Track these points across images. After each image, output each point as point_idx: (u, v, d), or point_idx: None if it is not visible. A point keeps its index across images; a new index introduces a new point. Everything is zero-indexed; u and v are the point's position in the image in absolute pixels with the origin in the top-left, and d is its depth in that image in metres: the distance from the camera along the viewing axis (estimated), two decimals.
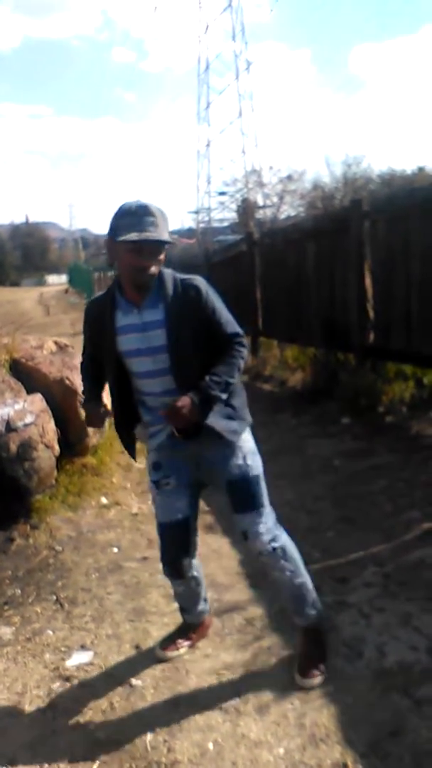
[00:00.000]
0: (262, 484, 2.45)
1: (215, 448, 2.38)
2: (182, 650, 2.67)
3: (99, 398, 2.51)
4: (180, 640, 2.69)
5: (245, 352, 2.42)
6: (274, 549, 2.42)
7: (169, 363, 2.32)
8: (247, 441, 2.46)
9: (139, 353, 2.34)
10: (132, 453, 2.57)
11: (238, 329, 2.41)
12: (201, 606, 2.72)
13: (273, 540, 2.42)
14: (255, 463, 2.44)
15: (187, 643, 2.69)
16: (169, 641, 2.69)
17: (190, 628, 2.73)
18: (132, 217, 2.18)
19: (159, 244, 2.20)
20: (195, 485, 2.51)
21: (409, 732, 2.12)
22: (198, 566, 2.63)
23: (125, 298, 2.34)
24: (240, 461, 2.40)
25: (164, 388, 2.35)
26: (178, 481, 2.45)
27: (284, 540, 2.47)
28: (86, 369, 2.61)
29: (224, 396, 2.33)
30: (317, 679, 2.42)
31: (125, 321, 2.34)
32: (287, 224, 16.41)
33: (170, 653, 2.64)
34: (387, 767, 2.00)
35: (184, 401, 2.24)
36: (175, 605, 2.99)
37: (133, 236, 2.15)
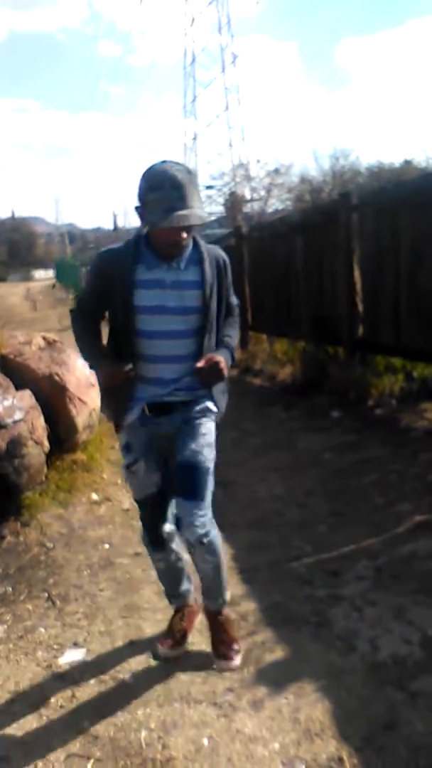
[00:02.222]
0: (210, 478, 2.45)
1: (181, 430, 2.44)
2: (181, 648, 2.64)
3: (111, 358, 2.39)
4: (178, 634, 2.66)
5: (238, 315, 2.64)
6: (202, 543, 2.42)
7: (198, 324, 2.36)
8: (211, 433, 2.48)
9: (162, 310, 2.32)
10: (121, 419, 2.47)
11: (237, 300, 2.64)
12: (185, 585, 2.71)
13: (205, 535, 2.41)
14: (210, 456, 2.46)
15: (182, 637, 2.67)
16: (166, 634, 2.68)
17: (182, 616, 2.72)
18: (162, 192, 2.14)
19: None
20: (162, 461, 2.52)
21: (403, 725, 2.12)
22: (178, 542, 2.61)
23: (155, 253, 2.31)
24: (197, 447, 2.41)
25: (184, 351, 2.37)
26: (146, 463, 2.47)
27: (214, 535, 2.46)
28: (85, 328, 2.52)
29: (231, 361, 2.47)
30: (237, 660, 2.52)
31: (149, 275, 2.31)
32: (275, 218, 16.40)
33: (170, 651, 2.62)
34: (382, 760, 2.00)
35: (220, 359, 2.32)
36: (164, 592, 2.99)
37: (163, 224, 2.15)
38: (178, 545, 2.62)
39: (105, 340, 2.49)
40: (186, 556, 2.64)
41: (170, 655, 2.60)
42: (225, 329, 2.53)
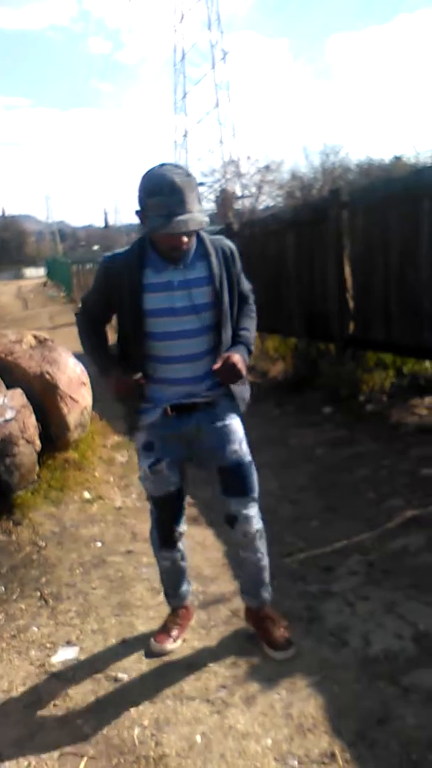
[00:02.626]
0: (254, 470, 2.50)
1: (209, 432, 2.42)
2: (178, 642, 2.65)
3: (121, 365, 2.36)
4: (173, 631, 2.67)
5: (253, 303, 2.58)
6: (257, 530, 2.52)
7: (212, 321, 2.34)
8: (240, 428, 2.50)
9: (173, 312, 2.30)
10: (134, 424, 2.47)
11: (250, 285, 2.57)
12: (185, 586, 2.73)
13: (259, 521, 2.53)
14: (247, 450, 2.50)
15: (178, 633, 2.68)
16: (161, 630, 2.68)
17: (177, 616, 2.73)
18: (160, 197, 2.12)
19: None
20: (183, 463, 2.54)
21: (396, 719, 2.14)
22: (183, 542, 2.68)
23: (160, 256, 2.30)
24: (236, 446, 2.46)
25: (200, 349, 2.35)
26: (170, 462, 2.48)
27: (262, 524, 2.56)
28: (92, 334, 2.50)
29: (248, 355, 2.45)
30: (292, 648, 2.54)
31: (157, 279, 2.30)
32: (266, 215, 16.39)
33: (166, 645, 2.62)
34: (375, 755, 2.01)
35: (237, 358, 2.30)
36: (161, 598, 2.98)
37: (163, 231, 2.14)
38: (183, 544, 2.67)
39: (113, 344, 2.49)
40: (188, 560, 2.70)
41: (164, 652, 2.61)
42: (241, 321, 2.48)
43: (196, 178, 2.24)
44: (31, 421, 4.13)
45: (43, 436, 4.24)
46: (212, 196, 33.11)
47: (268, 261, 7.77)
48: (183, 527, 2.64)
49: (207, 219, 2.23)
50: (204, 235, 2.36)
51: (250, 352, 2.46)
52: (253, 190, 28.56)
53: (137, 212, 2.23)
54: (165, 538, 2.62)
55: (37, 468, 4.18)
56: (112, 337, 2.51)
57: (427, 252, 4.90)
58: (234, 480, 2.47)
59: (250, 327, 2.51)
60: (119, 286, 2.32)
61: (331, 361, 6.27)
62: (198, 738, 2.16)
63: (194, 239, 2.31)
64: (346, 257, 6.03)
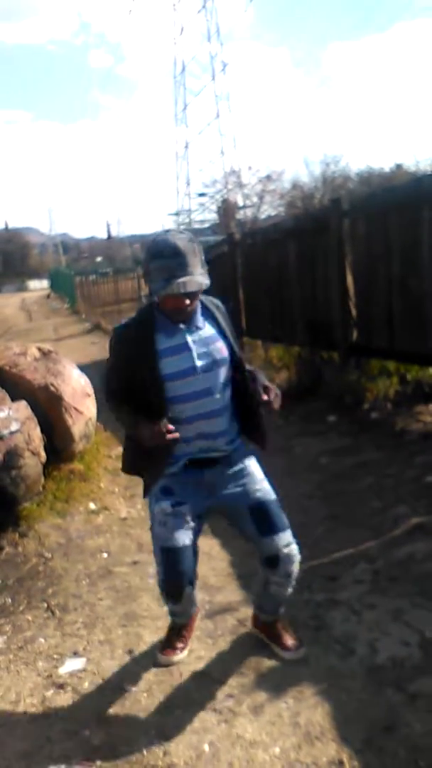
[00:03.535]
0: (280, 508, 2.50)
1: (230, 477, 2.45)
2: (184, 653, 2.63)
3: (147, 418, 2.34)
4: (178, 643, 2.65)
5: None
6: (296, 572, 2.51)
7: (229, 375, 2.40)
8: (258, 469, 2.54)
9: (192, 372, 2.32)
10: (155, 479, 2.46)
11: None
12: (192, 609, 2.70)
13: (298, 559, 2.51)
14: (270, 488, 2.52)
15: (183, 645, 2.66)
16: (167, 645, 2.64)
17: (183, 627, 2.71)
18: (162, 260, 2.19)
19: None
20: (203, 515, 2.49)
21: (403, 727, 2.14)
22: (196, 597, 2.57)
23: (169, 319, 2.33)
24: (258, 486, 2.48)
25: (219, 405, 2.38)
26: (191, 508, 2.41)
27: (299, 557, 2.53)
28: (120, 402, 2.47)
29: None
30: (303, 648, 2.59)
31: (169, 343, 2.34)
32: (268, 224, 16.46)
33: (174, 657, 2.60)
34: (382, 762, 2.02)
35: (273, 386, 2.37)
36: (167, 608, 3.00)
37: (164, 292, 2.19)
38: (193, 595, 2.53)
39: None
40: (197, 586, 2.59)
41: (171, 663, 2.60)
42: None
43: (198, 244, 2.28)
44: (36, 432, 4.14)
45: (48, 448, 4.26)
46: (214, 207, 33.24)
47: (270, 270, 7.80)
48: (191, 590, 2.47)
49: (207, 281, 2.26)
50: (202, 297, 2.41)
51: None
52: (255, 200, 28.64)
53: (143, 277, 2.31)
54: (170, 595, 2.48)
55: (43, 479, 4.20)
56: None
57: (429, 259, 4.91)
58: (266, 517, 2.44)
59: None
60: (135, 354, 2.35)
61: (335, 369, 6.27)
62: (206, 747, 2.16)
63: (197, 301, 2.34)
64: (348, 265, 6.04)
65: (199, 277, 2.21)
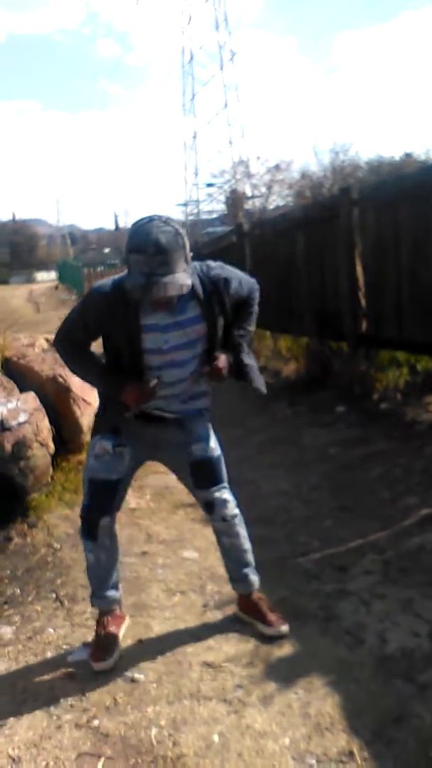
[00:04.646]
0: (222, 464, 2.63)
1: (176, 433, 2.56)
2: (116, 653, 2.58)
3: (129, 376, 2.45)
4: (107, 643, 2.60)
5: (258, 294, 2.64)
6: (235, 515, 2.66)
7: (202, 350, 2.45)
8: (208, 428, 2.63)
9: (158, 352, 2.39)
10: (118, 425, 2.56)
11: (252, 280, 2.63)
12: (111, 592, 2.69)
13: (235, 507, 2.66)
14: (216, 446, 2.61)
15: (114, 642, 2.61)
16: (97, 650, 2.59)
17: (108, 624, 2.66)
18: (143, 255, 2.12)
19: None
20: (142, 460, 2.67)
21: (413, 717, 2.13)
22: (114, 541, 2.66)
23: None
24: (203, 444, 2.57)
25: (186, 373, 2.46)
26: (131, 453, 2.56)
27: (238, 510, 2.69)
28: (83, 358, 2.56)
29: (249, 347, 2.61)
30: (286, 624, 2.63)
31: (149, 320, 2.35)
32: (276, 214, 16.38)
33: (107, 663, 2.53)
34: (392, 753, 2.01)
35: (224, 362, 2.44)
36: (177, 599, 3.00)
37: (141, 294, 2.17)
38: (113, 541, 2.64)
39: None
40: (117, 561, 2.70)
41: (106, 667, 2.53)
42: (237, 321, 2.57)
43: (184, 236, 2.22)
44: (45, 424, 4.14)
45: (56, 439, 4.26)
46: (222, 197, 33.13)
47: (279, 260, 7.77)
48: (108, 522, 2.58)
49: (189, 281, 2.22)
50: (194, 275, 2.35)
51: (242, 349, 2.57)
52: (263, 190, 28.55)
53: (124, 260, 2.30)
54: (89, 527, 2.58)
55: (51, 470, 4.20)
56: None
57: None
58: (203, 474, 2.59)
59: (249, 322, 2.62)
60: (112, 320, 2.37)
61: (344, 360, 6.25)
62: (215, 738, 2.16)
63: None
64: (358, 255, 6.01)
65: (180, 276, 2.16)
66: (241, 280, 2.54)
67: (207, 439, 2.60)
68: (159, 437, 2.57)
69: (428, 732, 2.06)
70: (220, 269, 2.47)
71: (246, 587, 2.74)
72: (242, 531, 2.70)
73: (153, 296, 2.16)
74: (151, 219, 2.19)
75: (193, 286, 2.34)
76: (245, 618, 2.74)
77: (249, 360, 2.61)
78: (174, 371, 2.44)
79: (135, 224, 2.21)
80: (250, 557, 2.73)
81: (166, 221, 2.19)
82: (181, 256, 2.17)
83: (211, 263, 2.49)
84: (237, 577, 2.75)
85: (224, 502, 2.61)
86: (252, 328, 2.65)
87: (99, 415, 2.66)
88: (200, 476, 2.59)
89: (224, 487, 2.63)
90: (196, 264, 2.41)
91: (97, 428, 2.62)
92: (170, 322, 2.36)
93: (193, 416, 2.59)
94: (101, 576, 2.68)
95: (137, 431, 2.54)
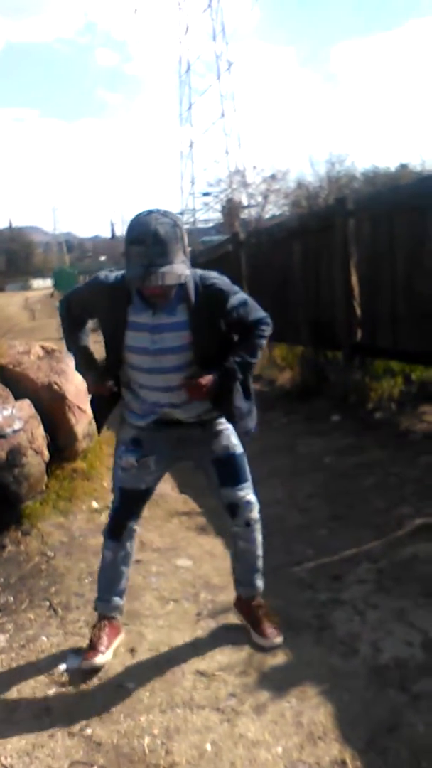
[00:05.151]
0: (246, 462, 2.64)
1: (197, 431, 2.56)
2: (108, 655, 2.60)
3: (102, 369, 2.55)
4: (100, 645, 2.61)
5: (269, 330, 2.56)
6: (258, 520, 2.67)
7: (189, 359, 2.41)
8: (229, 428, 2.61)
9: (145, 352, 2.39)
10: (100, 427, 2.73)
11: (263, 313, 2.56)
12: (116, 598, 2.71)
13: (258, 510, 2.67)
14: (239, 442, 2.62)
15: (107, 644, 2.63)
16: (89, 648, 2.62)
17: (102, 628, 2.67)
18: (142, 246, 2.15)
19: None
20: (170, 462, 2.67)
21: (406, 727, 2.13)
22: (133, 548, 2.71)
23: (140, 298, 2.35)
24: (226, 441, 2.58)
25: (176, 382, 2.43)
26: (157, 459, 2.59)
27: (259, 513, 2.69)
28: (74, 328, 2.64)
29: (241, 376, 2.49)
30: (281, 637, 2.63)
31: (137, 318, 2.37)
32: (272, 224, 16.44)
33: (96, 660, 2.56)
34: (385, 763, 2.01)
35: (208, 380, 2.38)
36: (170, 607, 2.99)
37: (140, 284, 2.21)
38: (132, 543, 2.69)
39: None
40: (128, 573, 2.72)
41: (94, 666, 2.55)
42: (241, 345, 2.51)
43: (183, 228, 2.25)
44: (39, 431, 4.14)
45: (51, 447, 4.25)
46: (218, 206, 33.24)
47: (275, 270, 7.80)
48: (135, 526, 2.67)
49: (187, 272, 2.25)
50: (188, 281, 2.34)
51: (230, 375, 2.45)
52: (259, 199, 28.62)
53: (123, 254, 2.32)
54: (114, 527, 2.65)
55: (46, 478, 4.19)
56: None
57: None
58: (228, 470, 2.60)
59: (244, 350, 2.49)
60: (103, 312, 2.45)
61: (339, 369, 6.26)
62: (208, 746, 2.16)
63: (175, 288, 2.34)
64: (353, 265, 6.04)
65: (179, 267, 2.18)
66: (245, 301, 2.48)
67: (228, 437, 2.60)
68: (181, 435, 2.57)
69: (421, 741, 2.06)
70: (218, 280, 2.42)
71: (250, 591, 2.74)
72: (259, 536, 2.70)
73: (151, 284, 2.17)
74: (150, 212, 2.22)
75: (187, 290, 2.35)
76: (240, 619, 2.76)
77: (239, 401, 2.52)
78: (163, 376, 2.43)
79: (134, 217, 2.23)
80: (260, 563, 2.73)
81: (165, 213, 2.22)
82: (179, 247, 2.20)
83: (212, 273, 2.46)
84: (244, 581, 2.75)
85: (249, 504, 2.62)
86: (253, 359, 2.51)
87: (94, 413, 2.72)
88: (225, 473, 2.59)
89: (249, 488, 2.63)
90: (196, 270, 2.41)
91: (121, 436, 2.63)
92: (159, 323, 2.37)
93: (212, 419, 2.58)
94: (112, 578, 2.69)
95: (157, 436, 2.55)
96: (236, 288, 2.49)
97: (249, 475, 2.65)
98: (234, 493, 2.59)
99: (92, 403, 2.73)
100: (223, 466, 2.59)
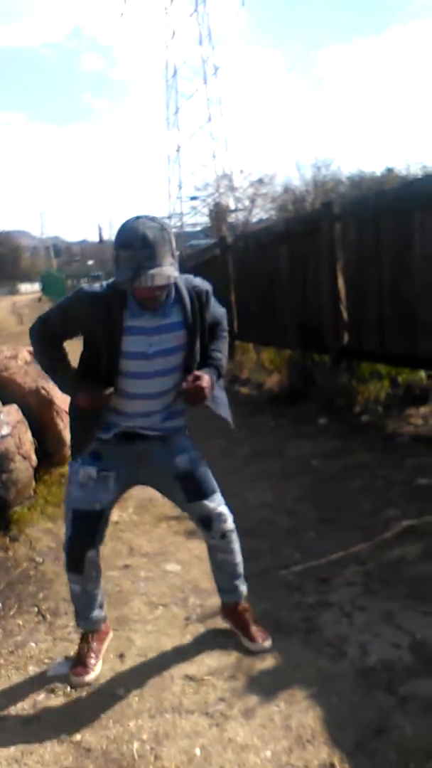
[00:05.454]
0: (210, 474, 2.60)
1: (159, 447, 2.53)
2: (97, 669, 2.59)
3: (89, 380, 2.45)
4: (89, 659, 2.60)
5: (226, 324, 2.67)
6: (233, 530, 2.63)
7: (180, 362, 2.43)
8: (188, 440, 2.62)
9: (145, 356, 2.38)
10: (80, 451, 2.52)
11: (222, 309, 2.66)
12: (96, 612, 2.67)
13: (232, 520, 2.63)
14: (200, 454, 2.60)
15: (95, 659, 2.62)
16: (78, 662, 2.60)
17: (89, 641, 2.66)
18: (130, 250, 2.16)
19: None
20: (128, 484, 2.62)
21: (394, 729, 2.14)
22: (98, 569, 2.61)
23: (137, 302, 2.35)
24: (187, 455, 2.55)
25: (164, 387, 2.45)
26: (115, 477, 2.50)
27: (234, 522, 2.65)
28: (53, 350, 2.56)
29: (221, 376, 2.56)
30: (269, 640, 2.64)
31: (134, 322, 2.36)
32: (259, 228, 16.49)
33: (86, 677, 2.55)
34: (374, 765, 2.02)
35: (206, 380, 2.39)
36: (159, 612, 3.00)
37: (130, 285, 2.20)
38: (97, 571, 2.60)
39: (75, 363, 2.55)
40: (101, 587, 2.66)
41: (83, 683, 2.54)
42: (213, 343, 2.57)
43: (170, 232, 2.26)
44: (27, 436, 4.13)
45: (39, 452, 4.24)
46: (206, 210, 33.28)
47: (262, 273, 7.82)
48: (94, 555, 2.55)
49: (176, 273, 2.26)
50: (180, 284, 2.40)
51: (220, 374, 2.55)
52: (246, 203, 28.64)
53: (112, 259, 2.31)
54: (74, 560, 2.54)
55: (34, 483, 4.18)
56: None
57: (420, 263, 4.94)
58: (194, 484, 2.55)
59: (222, 349, 2.60)
60: (94, 323, 2.37)
61: (326, 372, 6.29)
62: (197, 751, 2.16)
63: (167, 290, 2.35)
64: (340, 269, 6.07)
65: (168, 269, 2.19)
66: (216, 301, 2.59)
67: (189, 450, 2.58)
68: (142, 453, 2.52)
69: (409, 744, 2.07)
70: (200, 281, 2.51)
71: (235, 597, 2.73)
72: (237, 545, 2.67)
73: (141, 286, 2.18)
74: (137, 217, 2.24)
75: (180, 292, 2.40)
76: (228, 625, 2.76)
77: (218, 391, 2.58)
78: (159, 380, 2.43)
79: (122, 223, 2.25)
80: (241, 569, 2.71)
81: (152, 218, 2.25)
82: (168, 250, 2.22)
83: (190, 275, 2.53)
84: (227, 589, 2.73)
85: (221, 516, 2.57)
86: (225, 354, 2.60)
87: (75, 436, 2.56)
88: (190, 488, 2.54)
89: (218, 498, 2.58)
90: (186, 279, 2.46)
91: (77, 451, 2.53)
92: (156, 324, 2.37)
93: (172, 433, 2.56)
94: (87, 602, 2.64)
95: (119, 450, 2.50)
96: (208, 284, 2.55)
97: (215, 485, 2.59)
98: (204, 507, 2.55)
99: (78, 423, 2.53)
100: (189, 480, 2.54)
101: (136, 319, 2.36)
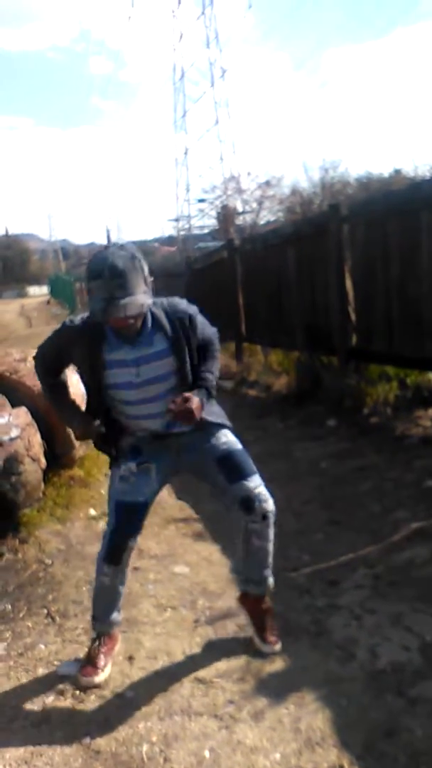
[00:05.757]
0: (249, 457, 2.61)
1: (196, 434, 2.55)
2: (107, 671, 2.59)
3: (85, 413, 2.58)
4: (99, 660, 2.60)
5: (218, 344, 2.69)
6: (274, 512, 2.59)
7: (173, 384, 2.47)
8: (223, 430, 2.63)
9: (130, 386, 2.43)
10: (118, 459, 2.61)
11: (213, 328, 2.67)
12: (114, 615, 2.68)
13: (273, 503, 2.59)
14: (236, 439, 2.62)
15: (105, 661, 2.61)
16: (87, 663, 2.60)
17: (102, 644, 2.66)
18: (100, 280, 2.19)
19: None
20: (168, 474, 2.65)
21: (403, 732, 2.14)
22: (128, 564, 2.65)
23: (114, 335, 2.38)
24: (224, 438, 2.58)
25: (158, 410, 2.47)
26: (156, 468, 2.55)
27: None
28: (50, 379, 2.66)
29: (215, 392, 2.57)
30: (279, 644, 2.63)
31: (115, 356, 2.41)
32: (267, 230, 16.48)
33: (96, 678, 2.55)
34: (383, 767, 2.01)
35: (195, 402, 2.40)
36: (167, 614, 3.00)
37: (101, 316, 2.23)
38: (127, 566, 2.63)
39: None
40: (126, 584, 2.69)
41: (93, 684, 2.54)
42: (204, 363, 2.59)
43: (141, 259, 2.28)
44: (36, 439, 4.14)
45: (48, 454, 4.26)
46: (213, 213, 33.28)
47: (270, 275, 7.81)
48: (133, 545, 2.59)
49: (149, 301, 2.30)
50: (156, 311, 2.44)
51: (210, 395, 2.56)
52: (254, 205, 28.64)
53: (86, 292, 2.35)
54: (113, 551, 2.56)
55: (43, 486, 4.19)
56: None
57: (428, 264, 4.92)
58: (233, 465, 2.55)
59: (213, 368, 2.60)
60: (79, 358, 2.47)
61: (334, 374, 6.28)
62: (206, 753, 2.16)
63: (141, 318, 2.38)
64: (347, 270, 6.06)
65: (140, 297, 2.22)
66: (205, 322, 2.61)
67: (226, 434, 2.60)
68: (181, 442, 2.56)
69: (419, 746, 2.07)
70: (186, 306, 2.54)
71: (261, 589, 2.70)
72: (272, 533, 2.62)
73: (113, 316, 2.21)
74: (106, 247, 2.29)
75: (158, 319, 2.43)
76: (245, 615, 2.75)
77: (214, 407, 2.62)
78: (159, 403, 2.46)
79: (93, 254, 2.30)
80: (271, 558, 2.67)
81: (122, 247, 2.28)
82: (139, 278, 2.24)
83: (176, 299, 2.56)
84: (256, 579, 2.68)
85: (261, 495, 2.53)
86: (216, 374, 2.61)
87: (106, 443, 2.62)
88: (231, 468, 2.53)
89: (258, 479, 2.56)
90: (163, 299, 2.51)
91: (117, 456, 2.60)
92: (139, 355, 2.42)
93: (209, 426, 2.58)
94: (110, 600, 2.65)
95: (156, 443, 2.56)
96: (195, 307, 2.58)
97: (254, 468, 2.59)
98: (245, 486, 2.51)
99: (97, 444, 2.67)
100: (228, 461, 2.54)
101: (115, 352, 2.40)
